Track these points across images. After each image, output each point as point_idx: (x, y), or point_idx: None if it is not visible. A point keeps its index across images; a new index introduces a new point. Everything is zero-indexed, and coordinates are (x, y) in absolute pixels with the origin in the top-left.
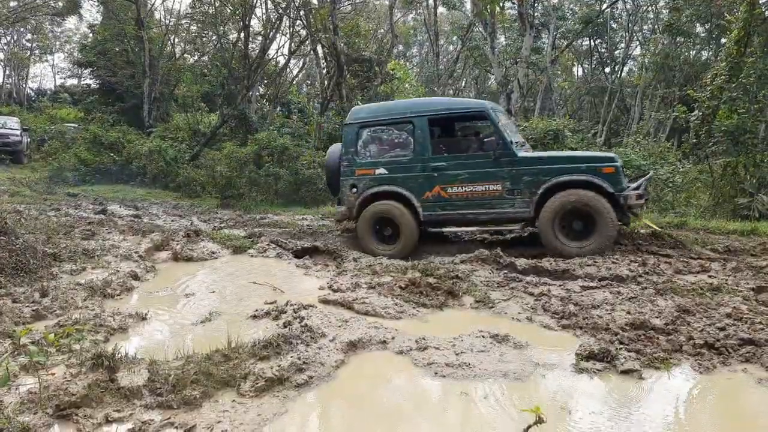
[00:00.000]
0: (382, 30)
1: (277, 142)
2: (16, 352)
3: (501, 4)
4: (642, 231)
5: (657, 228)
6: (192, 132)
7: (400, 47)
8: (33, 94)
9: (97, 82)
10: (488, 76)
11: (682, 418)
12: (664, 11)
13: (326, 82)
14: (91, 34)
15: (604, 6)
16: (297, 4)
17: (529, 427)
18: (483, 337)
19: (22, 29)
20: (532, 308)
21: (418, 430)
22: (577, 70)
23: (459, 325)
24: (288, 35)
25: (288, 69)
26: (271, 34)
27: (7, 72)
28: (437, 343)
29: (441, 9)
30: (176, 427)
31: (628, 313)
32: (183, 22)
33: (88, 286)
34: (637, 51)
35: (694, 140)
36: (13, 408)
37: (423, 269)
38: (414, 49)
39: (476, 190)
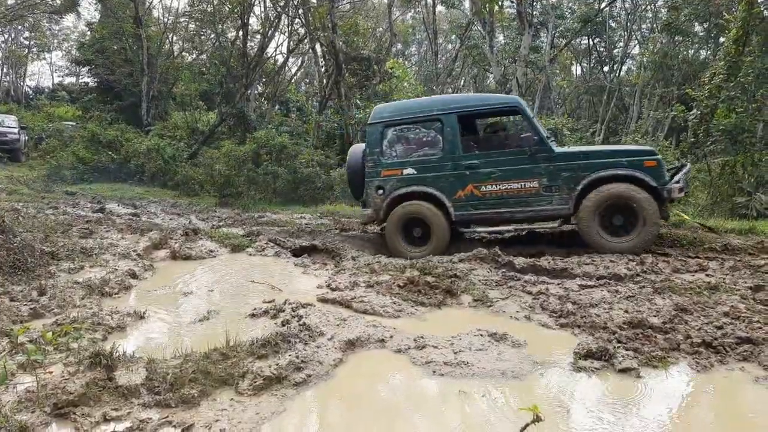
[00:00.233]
0: (381, 28)
1: (275, 141)
2: (13, 351)
3: (500, 3)
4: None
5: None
6: (190, 130)
7: (399, 46)
8: (31, 92)
9: (95, 80)
10: (487, 75)
11: (680, 416)
12: (663, 10)
13: (325, 81)
14: (89, 32)
15: (603, 5)
16: (295, 3)
17: (527, 425)
18: (481, 335)
19: (19, 27)
20: (531, 307)
21: (417, 428)
22: (576, 69)
23: (457, 323)
24: (286, 33)
25: (286, 67)
26: (270, 32)
27: (5, 70)
28: (435, 342)
29: (440, 7)
30: (174, 426)
31: (626, 311)
32: (181, 20)
33: (86, 284)
34: (636, 50)
35: (693, 139)
36: (10, 407)
37: (421, 268)
38: (413, 48)
39: (512, 188)
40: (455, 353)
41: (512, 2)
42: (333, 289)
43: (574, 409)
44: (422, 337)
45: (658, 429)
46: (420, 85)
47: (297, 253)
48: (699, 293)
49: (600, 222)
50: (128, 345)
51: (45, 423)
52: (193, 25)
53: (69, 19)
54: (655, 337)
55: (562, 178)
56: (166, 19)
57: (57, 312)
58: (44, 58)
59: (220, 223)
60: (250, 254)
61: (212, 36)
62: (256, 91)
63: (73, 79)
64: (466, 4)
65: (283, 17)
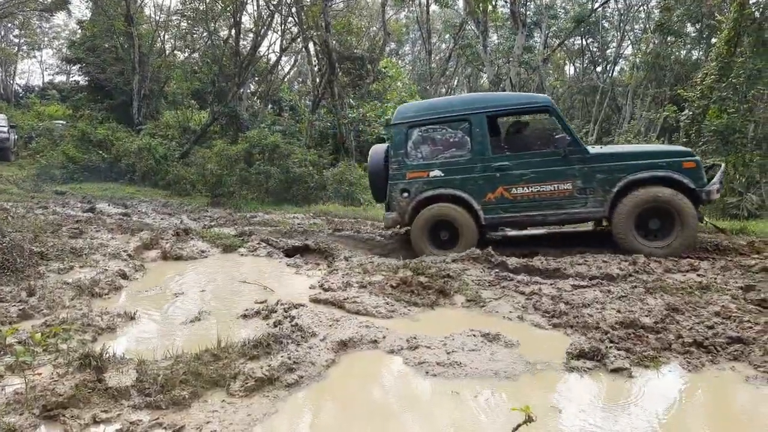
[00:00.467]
0: (375, 28)
1: (267, 140)
2: (2, 352)
3: (493, 3)
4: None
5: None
6: (182, 129)
7: (393, 45)
8: (20, 90)
9: (86, 78)
10: (480, 75)
11: (671, 416)
12: (656, 11)
13: (318, 80)
14: (79, 30)
15: (596, 5)
16: (288, 1)
17: (519, 426)
18: (474, 336)
19: (9, 25)
20: (523, 307)
21: (409, 429)
22: (569, 69)
23: (450, 324)
24: (279, 32)
25: (279, 66)
26: (263, 31)
27: None
28: (428, 342)
29: (433, 7)
30: (165, 428)
31: (618, 311)
32: (173, 18)
33: (75, 285)
34: (629, 50)
35: (685, 139)
36: None
37: (414, 268)
38: (406, 47)
39: (544, 190)
40: (448, 354)
41: (506, 2)
42: (326, 290)
43: (566, 409)
44: (415, 338)
45: (650, 429)
46: (414, 85)
47: (289, 253)
48: (690, 293)
49: (635, 225)
50: (118, 346)
51: (34, 425)
52: (185, 23)
53: (60, 17)
54: (647, 337)
55: (597, 180)
56: (157, 17)
57: (46, 313)
58: (34, 56)
59: (212, 223)
60: (242, 254)
61: (204, 34)
62: (248, 90)
63: (63, 78)
64: (460, 4)
65: (276, 16)
